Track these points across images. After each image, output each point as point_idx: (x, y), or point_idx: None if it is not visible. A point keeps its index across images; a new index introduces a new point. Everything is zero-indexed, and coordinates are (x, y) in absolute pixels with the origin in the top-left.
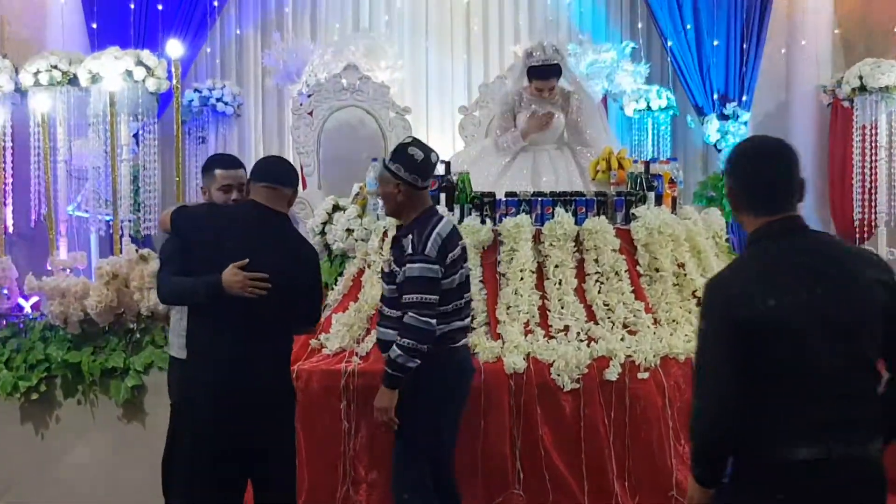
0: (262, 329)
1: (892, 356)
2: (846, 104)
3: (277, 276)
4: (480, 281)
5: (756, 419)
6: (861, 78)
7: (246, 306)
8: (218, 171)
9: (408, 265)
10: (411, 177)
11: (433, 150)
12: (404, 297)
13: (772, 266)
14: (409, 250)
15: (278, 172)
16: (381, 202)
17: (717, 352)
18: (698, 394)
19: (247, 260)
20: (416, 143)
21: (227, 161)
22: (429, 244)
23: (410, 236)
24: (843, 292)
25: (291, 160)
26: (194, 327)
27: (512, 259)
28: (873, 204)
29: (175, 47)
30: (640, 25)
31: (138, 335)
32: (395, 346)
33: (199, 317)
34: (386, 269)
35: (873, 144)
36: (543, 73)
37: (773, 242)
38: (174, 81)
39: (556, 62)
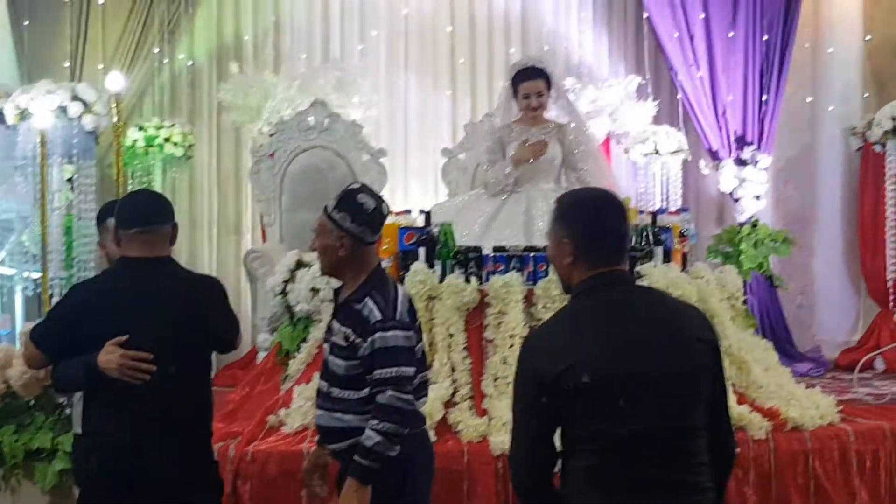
0: (168, 404)
1: (713, 418)
2: (878, 149)
3: (172, 342)
4: (465, 348)
5: (573, 475)
6: (894, 119)
7: (150, 384)
8: (112, 221)
9: (379, 334)
10: (359, 229)
11: (384, 201)
12: (377, 372)
13: (590, 319)
14: (378, 316)
15: (149, 212)
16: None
17: (525, 405)
18: (511, 445)
19: (125, 336)
20: (366, 189)
21: None
22: (398, 307)
23: (369, 300)
24: (663, 349)
25: (250, 208)
26: (88, 401)
27: (500, 323)
28: None
29: (116, 80)
30: (647, 59)
31: (69, 411)
32: (370, 433)
33: (93, 397)
34: (341, 342)
35: None
36: (529, 73)
37: (599, 294)
38: (115, 119)
39: (543, 66)
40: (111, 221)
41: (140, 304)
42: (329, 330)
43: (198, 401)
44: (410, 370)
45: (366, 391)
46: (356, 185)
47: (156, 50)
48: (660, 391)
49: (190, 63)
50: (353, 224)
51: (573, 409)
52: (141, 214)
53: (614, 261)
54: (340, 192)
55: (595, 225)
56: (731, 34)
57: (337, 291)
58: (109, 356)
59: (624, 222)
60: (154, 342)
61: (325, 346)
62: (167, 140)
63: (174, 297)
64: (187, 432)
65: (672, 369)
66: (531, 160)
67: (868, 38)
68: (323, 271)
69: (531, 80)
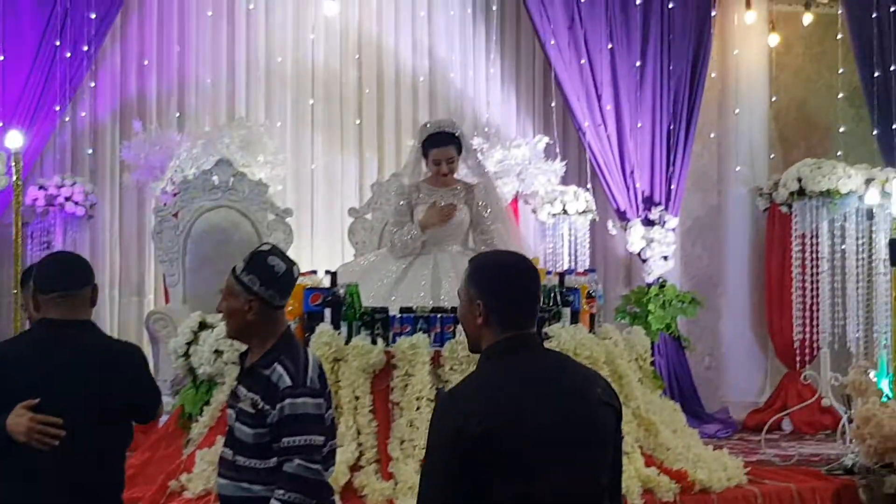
0: (81, 474)
1: (614, 483)
2: (784, 209)
3: (88, 408)
4: (370, 411)
5: None
6: (800, 180)
7: (58, 445)
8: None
9: (289, 401)
10: (268, 293)
11: (295, 263)
12: (285, 440)
13: (506, 382)
14: (288, 382)
15: (68, 275)
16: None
17: (439, 467)
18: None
19: (37, 400)
20: (276, 251)
21: None
22: (309, 372)
23: (278, 365)
24: (576, 415)
25: (153, 268)
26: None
27: (407, 385)
28: (815, 323)
29: (15, 138)
30: (555, 118)
31: None
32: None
33: (5, 462)
34: (248, 409)
35: (815, 255)
36: (440, 139)
37: (511, 357)
38: (14, 177)
39: (454, 131)
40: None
41: (55, 367)
42: (234, 395)
43: (111, 472)
44: (320, 439)
45: (274, 460)
46: (266, 247)
47: (57, 107)
48: (574, 456)
49: (92, 120)
50: (262, 287)
51: (488, 472)
52: (60, 278)
53: (525, 324)
54: (250, 253)
55: (509, 288)
56: (638, 93)
57: (243, 356)
58: (18, 419)
59: (537, 286)
60: (69, 408)
61: (230, 412)
62: (68, 199)
63: (92, 362)
64: (98, 497)
65: (584, 435)
66: (439, 225)
67: (774, 98)
68: (229, 334)
69: (443, 146)
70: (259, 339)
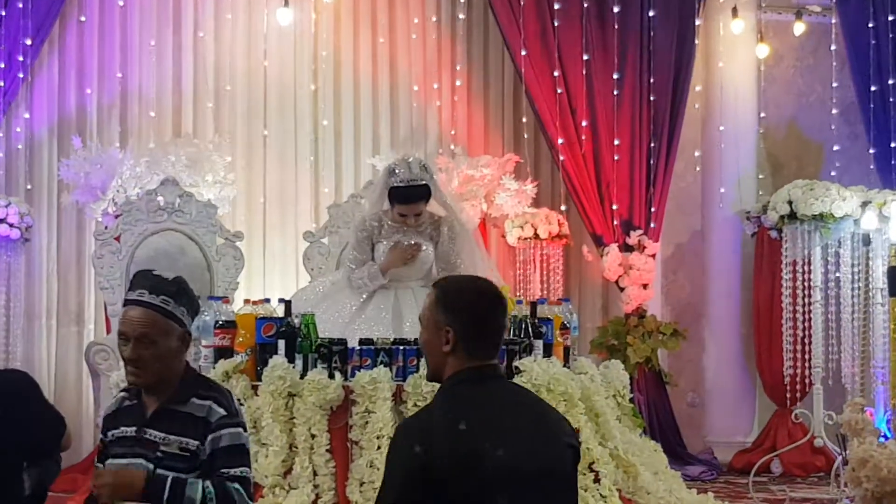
0: None
1: None
2: (774, 234)
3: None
4: (328, 450)
5: None
6: (791, 203)
7: None
8: None
9: (226, 431)
10: (191, 324)
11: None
12: (223, 470)
13: (472, 412)
14: (222, 412)
15: None
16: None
17: (399, 495)
18: None
19: None
20: (180, 280)
21: None
22: (235, 403)
23: (199, 399)
24: (542, 450)
25: (93, 296)
26: None
27: (367, 423)
28: (807, 357)
29: None
30: (526, 134)
31: None
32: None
33: None
34: (176, 452)
35: (806, 284)
36: (409, 195)
37: (476, 386)
38: None
39: (423, 182)
40: None
41: None
42: (139, 442)
43: None
44: (251, 475)
45: None
46: (168, 274)
47: None
48: (540, 492)
49: (28, 137)
50: (189, 318)
51: (452, 501)
52: None
53: (491, 354)
54: (166, 279)
55: (480, 316)
56: (616, 108)
57: (136, 398)
58: None
59: (506, 316)
60: None
61: (137, 462)
62: (2, 221)
63: None
64: None
65: (550, 470)
66: (402, 265)
67: (762, 114)
68: (147, 382)
69: (411, 203)
70: (168, 378)
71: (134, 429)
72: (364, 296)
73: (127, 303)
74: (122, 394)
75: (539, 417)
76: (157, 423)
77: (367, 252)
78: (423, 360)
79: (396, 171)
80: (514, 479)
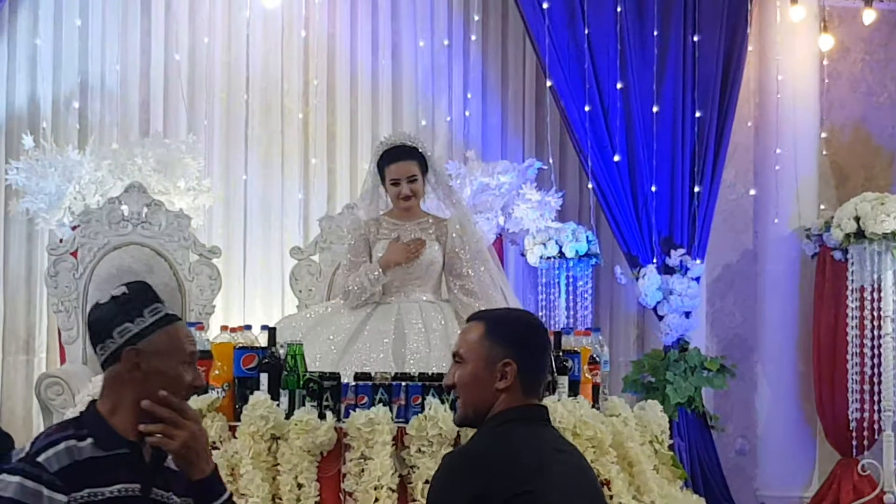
0: None
1: None
2: (838, 256)
3: None
4: (317, 503)
5: None
6: (858, 220)
7: None
8: None
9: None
10: None
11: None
12: None
13: (525, 448)
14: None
15: None
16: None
17: None
18: None
19: None
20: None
21: None
22: None
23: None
24: (595, 492)
25: (45, 319)
26: None
27: (363, 471)
28: (876, 398)
29: None
30: (550, 138)
31: None
32: None
33: None
34: None
35: (875, 314)
36: (398, 153)
37: (526, 426)
38: None
39: (415, 145)
40: None
41: None
42: None
43: None
44: None
45: None
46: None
47: None
48: None
49: None
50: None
51: None
52: None
53: (541, 394)
54: (152, 291)
55: (539, 350)
56: (655, 109)
57: (119, 444)
58: None
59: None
60: None
61: None
62: None
63: None
64: None
65: None
66: (404, 263)
67: (825, 117)
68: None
69: (401, 161)
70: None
71: (138, 486)
72: (362, 314)
73: (170, 318)
74: (74, 441)
75: (583, 467)
76: (160, 480)
77: (363, 255)
78: (429, 400)
79: (382, 139)
80: None
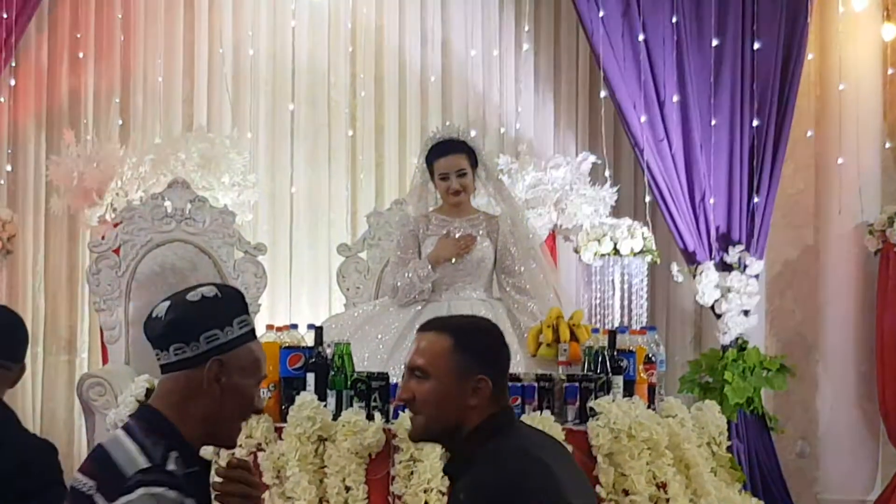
0: None
1: None
2: None
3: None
4: None
5: None
6: None
7: None
8: None
9: None
10: None
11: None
12: None
13: (540, 455)
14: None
15: (6, 340)
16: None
17: None
18: None
19: None
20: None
21: None
22: None
23: None
24: (590, 490)
25: (87, 319)
26: None
27: (412, 473)
28: None
29: None
30: (604, 132)
31: None
32: None
33: None
34: None
35: None
36: (447, 147)
37: (517, 429)
38: None
39: (463, 139)
40: None
41: None
42: None
43: None
44: None
45: None
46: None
47: None
48: None
49: (11, 130)
50: None
51: None
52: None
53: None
54: (243, 301)
55: (506, 356)
56: (713, 100)
57: (193, 461)
58: None
59: None
60: None
61: None
62: None
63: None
64: None
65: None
66: (454, 259)
67: (889, 110)
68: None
69: (450, 155)
70: None
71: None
72: (412, 312)
73: (253, 335)
74: (174, 452)
75: (571, 456)
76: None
77: (412, 250)
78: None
79: (431, 132)
80: None
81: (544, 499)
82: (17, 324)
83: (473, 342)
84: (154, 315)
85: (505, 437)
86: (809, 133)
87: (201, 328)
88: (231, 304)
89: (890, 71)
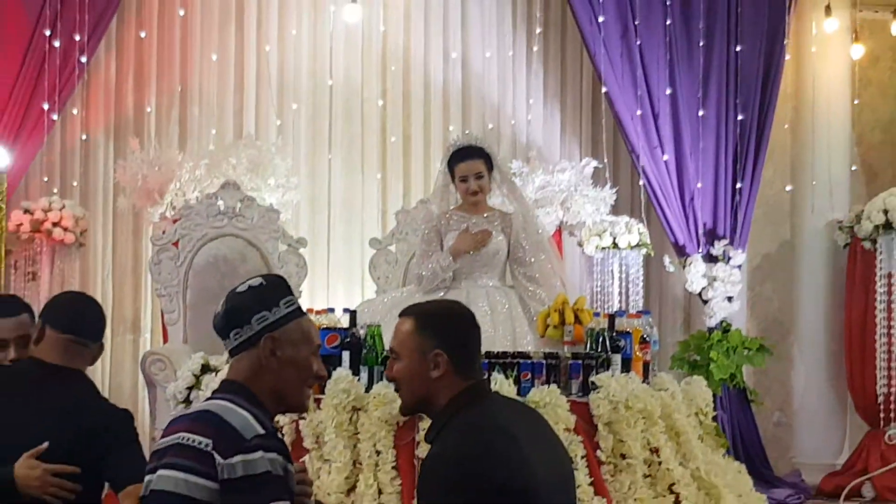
0: None
1: None
2: (867, 245)
3: (80, 453)
4: (394, 467)
5: None
6: (886, 212)
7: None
8: (25, 317)
9: None
10: None
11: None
12: None
13: (507, 429)
14: None
15: (89, 322)
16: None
17: None
18: None
19: (45, 445)
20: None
21: (1, 307)
22: None
23: None
24: (564, 464)
25: (149, 303)
26: None
27: None
28: None
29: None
30: (604, 139)
31: None
32: None
33: None
34: None
35: None
36: (466, 153)
37: (486, 405)
38: None
39: (481, 146)
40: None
41: (34, 411)
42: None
43: None
44: None
45: None
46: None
47: (45, 122)
48: (569, 492)
49: (84, 137)
50: None
51: None
52: (76, 322)
53: (481, 372)
54: (287, 284)
55: (465, 336)
56: (701, 112)
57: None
58: (30, 470)
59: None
60: (51, 454)
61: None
62: (56, 224)
63: (71, 419)
64: None
65: (570, 474)
66: (472, 251)
67: (856, 118)
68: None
69: (468, 160)
70: None
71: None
72: (435, 297)
73: (301, 311)
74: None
75: (552, 433)
76: None
77: (435, 244)
78: (495, 374)
79: (452, 140)
80: (562, 486)
81: (505, 470)
82: (94, 307)
83: (431, 322)
84: (216, 312)
85: (475, 408)
86: (787, 140)
87: (252, 312)
88: (275, 289)
89: (857, 86)
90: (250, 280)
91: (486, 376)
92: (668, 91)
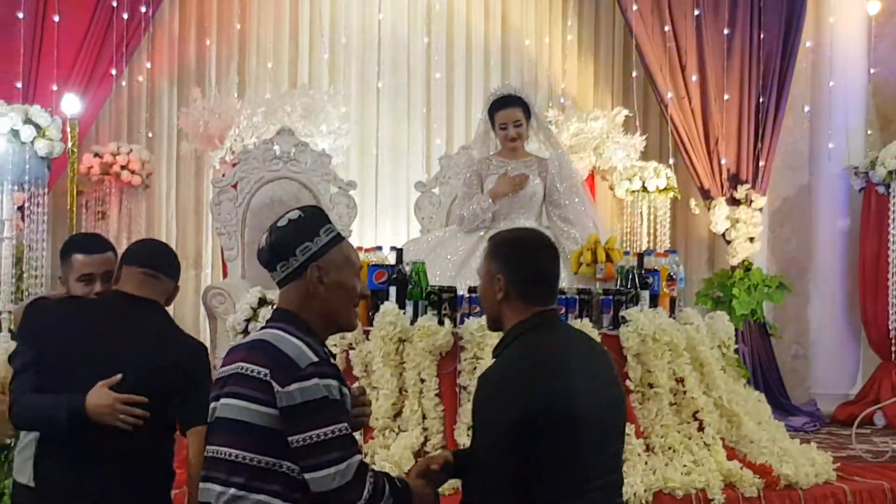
0: (130, 452)
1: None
2: (882, 190)
3: (139, 390)
4: (437, 394)
5: None
6: None
7: (114, 432)
8: (77, 257)
9: None
10: None
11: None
12: None
13: (551, 360)
14: None
15: (162, 259)
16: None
17: (504, 447)
18: (485, 492)
19: (119, 377)
20: None
21: (89, 244)
22: None
23: None
24: (615, 398)
25: (210, 241)
26: (43, 453)
27: (476, 368)
28: None
29: (72, 102)
30: (635, 90)
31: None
32: None
33: (51, 443)
34: None
35: None
36: (505, 101)
37: (545, 333)
38: (70, 144)
39: (520, 95)
40: (77, 258)
41: (116, 340)
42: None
43: (159, 450)
44: None
45: None
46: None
47: (113, 71)
48: (618, 428)
49: (149, 86)
50: None
51: (548, 451)
52: (152, 258)
53: (549, 301)
54: (324, 213)
55: (530, 264)
56: (725, 63)
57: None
58: (102, 398)
59: (557, 264)
60: (124, 385)
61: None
62: (124, 167)
63: (150, 347)
64: (148, 482)
65: (622, 409)
66: (510, 194)
67: (872, 71)
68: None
69: (508, 108)
70: None
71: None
72: (475, 237)
73: (341, 236)
74: (325, 348)
75: (610, 367)
76: None
77: (475, 187)
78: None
79: (493, 90)
80: (596, 423)
81: (545, 402)
82: (168, 249)
83: (498, 248)
84: (260, 247)
85: (536, 333)
86: (806, 91)
87: (295, 244)
88: (314, 219)
89: (873, 40)
90: (289, 213)
91: (555, 305)
92: (695, 44)
